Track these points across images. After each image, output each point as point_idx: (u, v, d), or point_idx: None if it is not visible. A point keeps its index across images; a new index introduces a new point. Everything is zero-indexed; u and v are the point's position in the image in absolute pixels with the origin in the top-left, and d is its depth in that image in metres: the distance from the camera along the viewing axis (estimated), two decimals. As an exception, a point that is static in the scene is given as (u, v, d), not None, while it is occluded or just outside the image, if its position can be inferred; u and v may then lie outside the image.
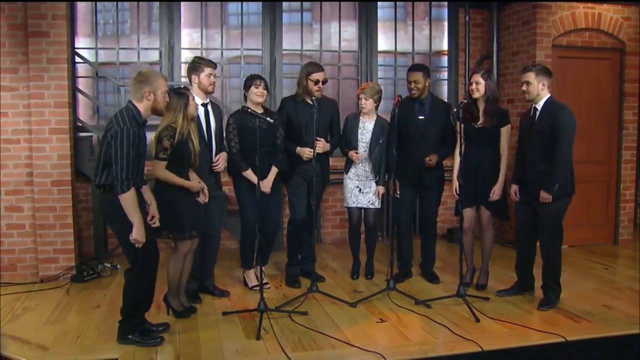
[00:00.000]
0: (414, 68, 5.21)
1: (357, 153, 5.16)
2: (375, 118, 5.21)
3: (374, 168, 5.19)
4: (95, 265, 5.71)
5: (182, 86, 4.59)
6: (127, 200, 3.56)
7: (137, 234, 3.61)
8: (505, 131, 4.89)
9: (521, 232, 4.81)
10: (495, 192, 4.88)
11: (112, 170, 3.55)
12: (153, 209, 3.98)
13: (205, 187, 4.41)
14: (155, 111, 3.80)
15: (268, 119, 4.48)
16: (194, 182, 4.30)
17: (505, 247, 6.59)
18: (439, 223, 5.63)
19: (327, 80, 5.12)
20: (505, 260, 5.96)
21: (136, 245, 3.64)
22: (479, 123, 4.86)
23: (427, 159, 5.04)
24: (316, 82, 5.00)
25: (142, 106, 3.72)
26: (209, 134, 4.68)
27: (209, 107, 4.71)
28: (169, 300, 4.41)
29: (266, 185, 4.88)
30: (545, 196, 4.44)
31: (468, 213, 4.98)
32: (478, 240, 5.17)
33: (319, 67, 5.09)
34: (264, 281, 4.79)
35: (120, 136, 3.52)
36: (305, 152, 4.98)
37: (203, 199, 4.40)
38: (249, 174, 4.80)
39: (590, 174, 6.69)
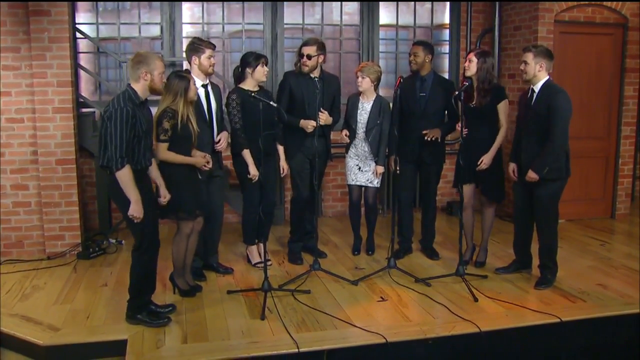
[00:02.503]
0: (416, 42, 5.29)
1: (347, 136, 5.24)
2: (374, 98, 5.22)
3: (371, 149, 5.23)
4: (101, 240, 5.82)
5: (184, 69, 4.61)
6: (123, 177, 3.64)
7: (135, 210, 3.70)
8: (502, 107, 4.89)
9: (519, 213, 4.88)
10: (484, 161, 4.87)
11: (108, 150, 3.62)
12: (162, 189, 4.06)
13: (209, 156, 4.48)
14: (153, 90, 3.84)
15: (272, 103, 4.51)
16: (198, 157, 4.35)
17: (504, 221, 6.66)
18: (439, 196, 5.72)
19: (311, 57, 5.02)
20: (504, 235, 6.04)
21: (135, 222, 3.73)
22: (473, 102, 4.89)
23: (424, 132, 5.06)
24: (301, 56, 5.04)
25: (139, 87, 3.77)
26: (210, 114, 4.70)
27: (209, 88, 4.73)
28: (175, 279, 4.52)
29: (284, 165, 5.11)
30: (532, 176, 4.50)
31: (467, 189, 5.04)
32: (478, 214, 5.24)
33: (309, 41, 5.11)
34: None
35: (114, 116, 3.59)
36: (309, 124, 5.02)
37: (208, 167, 4.46)
38: (247, 154, 4.85)
39: (589, 149, 6.74)
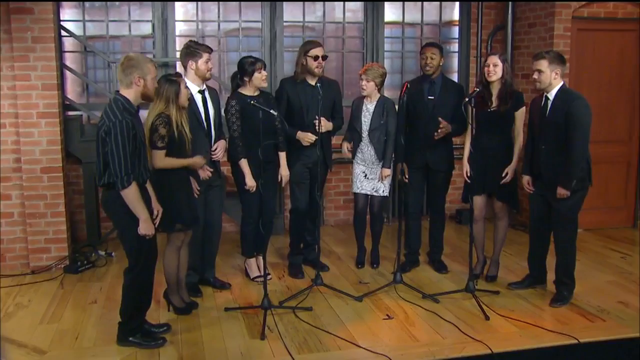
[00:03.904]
0: (431, 44, 5.33)
1: (349, 151, 5.39)
2: (377, 98, 5.29)
3: (377, 152, 5.30)
4: (89, 253, 5.87)
5: (174, 72, 4.64)
6: (130, 195, 3.65)
7: (145, 228, 3.72)
8: (520, 115, 4.96)
9: (535, 224, 4.92)
10: (509, 174, 4.96)
11: (111, 167, 3.63)
12: (154, 203, 4.07)
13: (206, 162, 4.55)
14: (145, 97, 3.85)
15: (272, 111, 4.54)
16: (196, 158, 4.40)
17: (516, 231, 6.70)
18: (447, 204, 5.76)
19: (327, 56, 5.21)
20: (517, 246, 6.09)
21: (146, 238, 3.76)
22: (492, 107, 4.93)
23: (438, 130, 5.09)
24: (315, 58, 5.10)
25: (131, 93, 3.76)
26: (208, 121, 4.75)
27: (207, 94, 4.78)
28: (169, 296, 4.56)
29: (284, 172, 5.15)
30: (562, 192, 4.53)
31: (478, 201, 5.09)
32: (489, 224, 5.29)
33: (316, 43, 5.20)
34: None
35: (114, 131, 3.58)
36: (307, 137, 5.09)
37: (206, 174, 4.53)
38: (244, 164, 4.91)
39: (609, 154, 6.76)
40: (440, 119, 5.08)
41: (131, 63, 3.75)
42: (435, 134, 5.11)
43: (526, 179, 4.87)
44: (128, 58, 3.79)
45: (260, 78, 4.89)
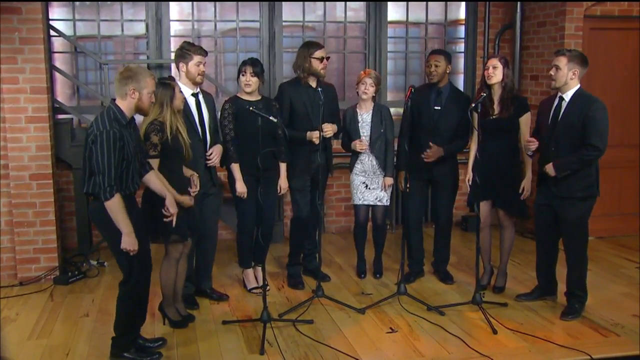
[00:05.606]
0: (437, 51, 5.37)
1: (360, 141, 5.30)
2: (372, 107, 5.34)
3: (379, 160, 5.34)
4: (80, 262, 5.91)
5: (167, 76, 4.68)
6: (113, 207, 3.68)
7: (128, 243, 3.74)
8: (524, 121, 5.00)
9: (541, 233, 4.94)
10: (525, 189, 5.01)
11: (95, 177, 3.67)
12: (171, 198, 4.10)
13: (197, 177, 4.56)
14: (139, 110, 3.88)
15: (271, 118, 4.55)
16: (184, 197, 4.35)
17: (525, 239, 6.73)
18: (453, 210, 5.79)
19: (329, 57, 5.29)
20: (525, 255, 6.12)
21: (130, 254, 3.78)
22: (494, 114, 4.97)
23: (425, 153, 5.18)
24: (321, 60, 5.15)
25: (125, 104, 3.80)
26: (202, 126, 4.79)
27: (200, 97, 4.82)
28: (164, 309, 4.59)
29: (283, 185, 5.20)
30: (549, 170, 4.59)
31: (484, 207, 5.12)
32: (496, 230, 5.32)
33: (319, 45, 5.27)
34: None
35: (100, 140, 3.62)
36: (314, 136, 5.11)
37: (194, 189, 4.53)
38: (235, 169, 4.97)
39: (622, 159, 6.80)
40: (430, 143, 5.15)
41: (128, 74, 3.78)
42: (423, 154, 5.17)
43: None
44: (127, 69, 3.83)
45: (243, 82, 4.94)
